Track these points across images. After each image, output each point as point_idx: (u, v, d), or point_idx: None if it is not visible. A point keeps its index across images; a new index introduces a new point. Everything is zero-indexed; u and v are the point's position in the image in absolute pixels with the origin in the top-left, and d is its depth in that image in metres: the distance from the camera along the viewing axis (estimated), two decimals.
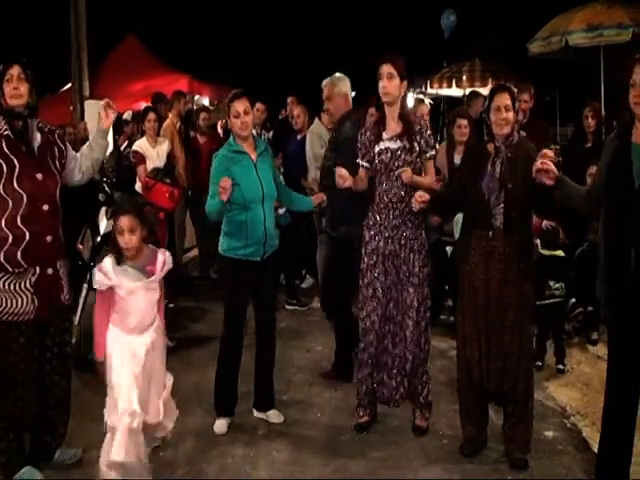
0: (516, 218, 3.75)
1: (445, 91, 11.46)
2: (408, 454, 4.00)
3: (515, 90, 3.84)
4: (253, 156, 4.22)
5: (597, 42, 7.72)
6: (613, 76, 8.33)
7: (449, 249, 6.18)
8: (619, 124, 3.35)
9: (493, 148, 3.83)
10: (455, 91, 11.44)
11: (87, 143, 4.07)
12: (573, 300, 6.18)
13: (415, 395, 4.26)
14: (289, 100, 8.39)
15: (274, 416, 4.42)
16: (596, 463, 3.55)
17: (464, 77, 11.21)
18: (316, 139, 6.47)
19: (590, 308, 6.04)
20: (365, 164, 4.24)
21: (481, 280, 3.80)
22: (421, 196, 3.93)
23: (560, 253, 5.48)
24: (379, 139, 4.17)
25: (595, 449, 3.98)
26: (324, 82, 5.19)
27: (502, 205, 3.74)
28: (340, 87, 5.10)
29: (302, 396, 4.85)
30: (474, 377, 3.87)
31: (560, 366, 5.33)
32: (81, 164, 3.92)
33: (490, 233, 3.77)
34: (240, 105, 4.14)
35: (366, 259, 4.23)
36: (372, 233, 4.21)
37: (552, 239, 5.48)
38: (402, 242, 4.14)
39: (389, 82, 4.07)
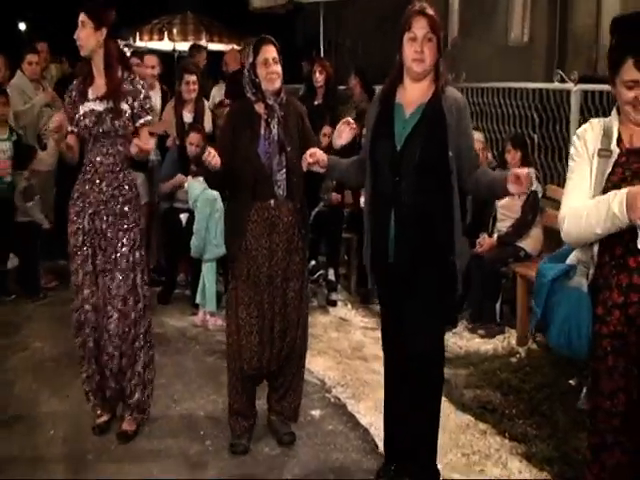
0: (296, 183, 3.49)
1: (155, 44, 10.73)
2: (170, 468, 3.42)
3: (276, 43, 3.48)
4: None
5: None
6: (332, 32, 8.49)
7: (184, 216, 5.65)
8: (386, 83, 3.13)
9: (264, 108, 3.46)
10: (166, 44, 10.82)
11: None
12: (313, 262, 6.07)
13: (123, 397, 3.71)
14: None
15: None
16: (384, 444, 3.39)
17: (175, 30, 10.67)
18: (17, 95, 5.49)
19: (331, 270, 6.00)
20: (73, 128, 3.61)
21: (265, 255, 3.46)
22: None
23: None
24: (84, 99, 3.57)
25: (363, 422, 3.87)
26: None
27: (284, 170, 3.44)
28: None
29: (27, 409, 3.98)
30: (253, 365, 3.50)
31: None
32: None
33: (272, 202, 3.45)
34: None
35: (72, 240, 3.60)
36: (76, 209, 3.59)
37: None
38: (110, 219, 3.56)
39: (80, 31, 3.52)
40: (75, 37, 3.52)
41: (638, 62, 2.25)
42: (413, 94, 3.02)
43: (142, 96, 3.61)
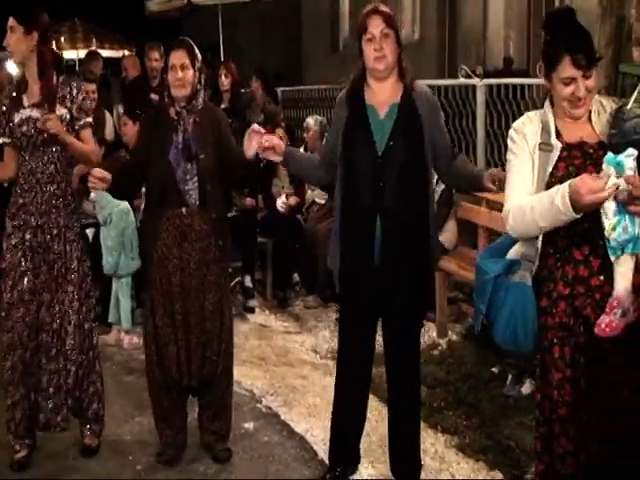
0: (211, 192, 3.36)
1: None
2: None
3: (193, 46, 3.37)
4: None
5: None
6: (230, 34, 8.37)
7: (90, 232, 5.40)
8: (350, 84, 3.09)
9: (175, 113, 3.35)
10: None
11: None
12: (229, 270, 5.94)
13: (81, 410, 3.56)
14: None
15: None
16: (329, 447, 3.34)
17: (63, 38, 10.28)
18: None
19: (247, 277, 5.89)
20: (5, 140, 3.44)
21: (175, 265, 3.35)
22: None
23: None
24: (20, 106, 3.42)
25: (298, 430, 3.80)
26: None
27: (196, 179, 3.32)
28: None
29: None
30: (171, 375, 3.39)
31: None
32: None
33: (184, 210, 3.33)
34: None
35: (8, 256, 3.41)
36: (15, 223, 3.41)
37: None
38: (54, 232, 3.41)
39: (9, 37, 3.38)
40: (4, 44, 3.40)
41: (574, 59, 2.28)
42: (383, 94, 2.99)
43: (80, 97, 3.47)
